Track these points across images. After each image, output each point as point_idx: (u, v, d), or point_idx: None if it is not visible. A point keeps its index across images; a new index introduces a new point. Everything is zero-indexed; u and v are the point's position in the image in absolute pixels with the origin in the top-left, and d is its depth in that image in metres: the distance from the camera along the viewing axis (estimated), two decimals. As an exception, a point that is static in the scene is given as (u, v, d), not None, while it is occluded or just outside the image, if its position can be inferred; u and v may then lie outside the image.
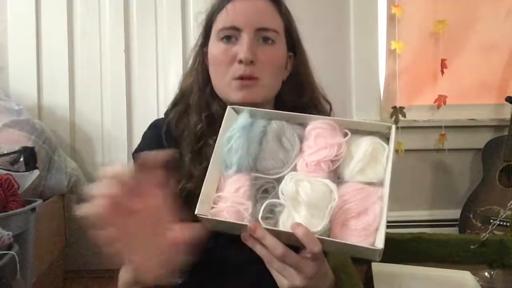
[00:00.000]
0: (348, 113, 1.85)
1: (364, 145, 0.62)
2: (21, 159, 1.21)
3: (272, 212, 0.60)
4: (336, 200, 0.58)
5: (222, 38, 0.80)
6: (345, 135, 0.64)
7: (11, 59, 1.70)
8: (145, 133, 0.92)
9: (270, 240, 0.57)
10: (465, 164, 1.92)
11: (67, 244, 1.63)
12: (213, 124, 0.82)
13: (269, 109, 0.85)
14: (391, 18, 1.86)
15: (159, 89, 1.77)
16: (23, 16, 1.70)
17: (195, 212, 0.60)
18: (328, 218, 0.58)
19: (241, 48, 0.78)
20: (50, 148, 1.45)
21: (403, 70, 1.90)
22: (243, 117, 0.67)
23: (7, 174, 1.06)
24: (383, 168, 0.62)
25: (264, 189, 0.62)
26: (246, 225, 0.58)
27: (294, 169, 0.63)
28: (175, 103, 0.91)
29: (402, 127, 1.85)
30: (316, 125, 0.65)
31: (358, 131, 0.65)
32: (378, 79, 1.87)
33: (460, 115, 1.90)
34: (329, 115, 0.90)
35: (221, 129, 0.67)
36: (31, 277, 1.04)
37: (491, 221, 1.62)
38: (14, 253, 0.78)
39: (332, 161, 0.62)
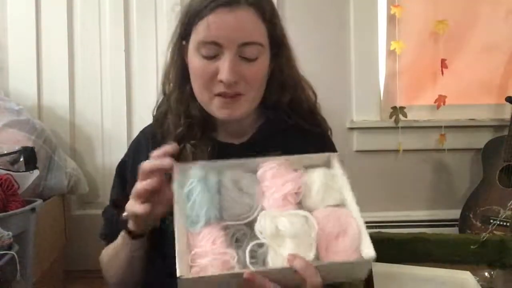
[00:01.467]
0: (348, 113, 1.85)
1: (317, 176, 0.66)
2: (21, 159, 1.21)
3: (254, 257, 0.58)
4: (316, 226, 0.59)
5: (202, 55, 0.75)
6: (295, 170, 0.67)
7: (11, 59, 1.70)
8: (131, 142, 0.94)
9: (270, 287, 0.55)
10: (465, 164, 1.92)
11: (67, 244, 1.63)
12: (192, 127, 0.82)
13: (255, 114, 0.86)
14: (391, 18, 1.86)
15: (159, 89, 1.76)
16: (23, 16, 1.70)
17: (178, 275, 0.55)
18: (315, 244, 0.58)
19: (223, 68, 0.73)
20: (50, 148, 1.45)
21: (403, 70, 1.90)
22: (196, 170, 0.66)
23: (7, 174, 1.06)
24: (340, 192, 0.66)
25: (236, 239, 0.60)
26: (240, 273, 0.55)
27: (262, 209, 0.63)
28: (159, 105, 0.90)
29: (402, 127, 1.85)
30: (268, 167, 0.66)
31: (305, 166, 0.69)
32: (378, 79, 1.87)
33: (460, 115, 1.90)
34: (315, 106, 0.90)
35: (174, 184, 0.64)
36: (31, 277, 1.04)
37: (491, 221, 1.62)
38: (14, 253, 0.78)
39: (296, 193, 0.64)
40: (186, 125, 0.82)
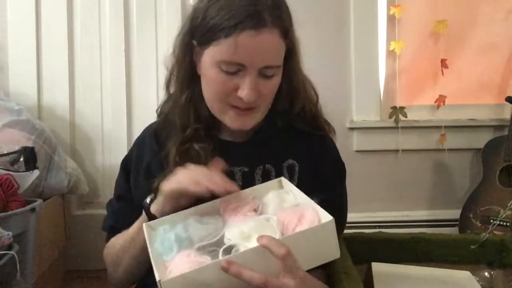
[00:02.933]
0: (348, 113, 1.86)
1: (270, 195, 0.74)
2: (21, 159, 1.21)
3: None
4: (275, 220, 0.65)
5: (223, 70, 0.75)
6: (252, 198, 0.74)
7: (11, 59, 1.70)
8: (136, 139, 0.96)
9: (246, 274, 0.57)
10: (465, 164, 1.92)
11: (67, 244, 1.63)
12: (199, 128, 0.84)
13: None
14: (390, 18, 1.86)
15: (159, 89, 1.77)
16: (23, 16, 1.70)
17: (157, 279, 0.56)
18: (279, 232, 0.63)
19: (245, 87, 0.75)
20: (50, 148, 1.45)
21: (403, 70, 1.90)
22: (163, 223, 0.71)
23: (7, 174, 1.06)
24: (294, 200, 0.73)
25: (211, 257, 0.63)
26: (216, 262, 0.58)
27: (228, 227, 0.68)
28: (164, 102, 0.91)
29: (402, 127, 1.85)
30: (225, 202, 0.73)
31: (260, 195, 0.76)
32: (378, 79, 1.87)
33: (460, 115, 1.90)
34: (316, 108, 0.91)
35: (148, 244, 0.67)
36: (31, 277, 1.04)
37: (491, 221, 1.62)
38: (14, 253, 0.78)
39: (255, 210, 0.71)
40: (194, 127, 0.83)
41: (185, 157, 0.81)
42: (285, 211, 0.68)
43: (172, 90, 0.88)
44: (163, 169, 0.82)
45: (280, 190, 0.75)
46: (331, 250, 0.65)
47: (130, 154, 0.92)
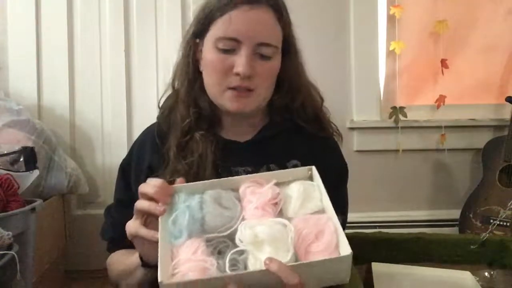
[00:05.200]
0: (348, 113, 1.86)
1: (295, 186, 0.69)
2: (21, 159, 1.21)
3: (235, 265, 0.59)
4: (293, 230, 0.61)
5: (220, 48, 0.78)
6: (276, 185, 0.69)
7: (11, 59, 1.70)
8: (134, 142, 0.94)
9: None
10: (465, 164, 1.92)
11: (67, 244, 1.63)
12: (200, 119, 0.84)
13: (262, 114, 0.89)
14: (390, 18, 1.86)
15: (159, 89, 1.77)
16: (23, 16, 1.70)
17: (159, 281, 0.56)
18: (292, 247, 0.60)
19: (240, 62, 0.77)
20: (50, 148, 1.45)
21: (403, 70, 1.90)
22: (179, 193, 0.68)
23: (7, 174, 1.06)
24: (320, 200, 0.68)
25: (218, 251, 0.62)
26: (217, 277, 0.56)
27: (243, 220, 0.64)
28: (167, 97, 0.91)
29: (402, 127, 1.85)
30: (247, 183, 0.69)
31: (286, 181, 0.71)
32: (378, 79, 1.87)
33: (460, 115, 1.90)
34: (321, 110, 0.91)
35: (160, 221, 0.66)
36: (31, 277, 1.04)
37: (491, 221, 1.62)
38: (14, 253, 0.78)
39: (274, 204, 0.66)
40: (195, 117, 0.84)
41: (185, 150, 0.82)
42: (305, 219, 0.64)
43: (176, 86, 0.89)
44: (166, 165, 0.82)
45: (307, 181, 0.71)
46: (342, 278, 0.62)
47: (129, 159, 0.91)
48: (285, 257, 0.58)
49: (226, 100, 0.81)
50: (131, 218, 0.84)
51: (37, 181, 1.31)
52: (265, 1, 0.78)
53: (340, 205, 0.91)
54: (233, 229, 0.63)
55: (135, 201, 0.87)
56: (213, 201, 0.66)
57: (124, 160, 0.93)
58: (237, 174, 0.83)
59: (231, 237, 0.62)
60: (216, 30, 0.78)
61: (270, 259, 0.56)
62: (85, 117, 1.76)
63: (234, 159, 0.83)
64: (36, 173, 1.23)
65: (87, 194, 1.67)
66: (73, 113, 1.75)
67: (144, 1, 1.76)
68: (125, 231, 0.82)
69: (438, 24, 1.85)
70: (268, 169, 0.84)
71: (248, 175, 0.71)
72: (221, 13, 0.77)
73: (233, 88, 0.79)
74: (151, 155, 0.87)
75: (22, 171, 1.20)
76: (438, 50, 1.89)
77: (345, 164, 0.94)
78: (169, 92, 0.91)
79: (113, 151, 1.76)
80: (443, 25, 1.85)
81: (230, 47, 0.77)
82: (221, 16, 0.77)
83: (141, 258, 0.73)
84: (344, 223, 0.93)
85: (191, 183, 0.70)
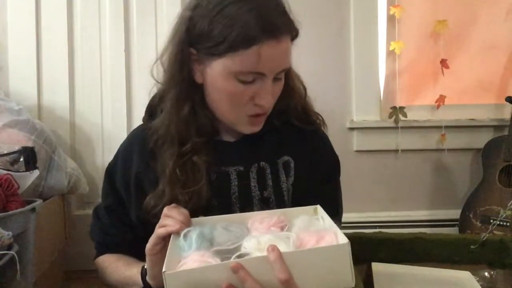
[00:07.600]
0: (348, 113, 1.86)
1: (301, 217, 0.72)
2: (21, 159, 1.21)
3: None
4: (295, 236, 0.64)
5: (241, 80, 0.75)
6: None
7: (11, 59, 1.70)
8: (120, 146, 0.94)
9: (249, 283, 0.56)
10: (465, 164, 1.92)
11: (67, 244, 1.63)
12: (198, 141, 0.82)
13: None
14: (390, 18, 1.86)
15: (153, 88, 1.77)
16: (23, 16, 1.70)
17: (163, 270, 0.57)
18: (294, 247, 0.61)
19: (264, 96, 0.76)
20: (50, 148, 1.45)
21: (403, 70, 1.90)
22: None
23: (7, 174, 1.05)
24: (323, 227, 0.70)
25: (224, 259, 0.63)
26: (221, 264, 0.57)
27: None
28: (152, 107, 0.91)
29: (402, 127, 1.85)
30: (255, 218, 0.73)
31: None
32: (378, 79, 1.87)
33: (460, 115, 1.90)
34: (306, 101, 0.91)
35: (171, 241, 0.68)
36: (31, 277, 1.04)
37: (491, 221, 1.62)
38: (14, 253, 0.78)
39: (280, 227, 0.70)
40: (194, 142, 0.82)
41: (182, 170, 0.80)
42: (307, 232, 0.67)
43: (167, 101, 0.83)
44: (156, 183, 0.81)
45: (312, 216, 0.74)
46: (345, 277, 0.60)
47: (114, 165, 0.91)
48: (286, 249, 0.60)
49: (242, 125, 0.81)
50: (119, 223, 0.86)
51: (37, 181, 1.31)
52: (286, 29, 0.75)
53: (335, 196, 0.91)
54: (239, 243, 0.65)
55: (124, 206, 0.87)
56: (223, 228, 0.70)
57: (110, 165, 0.93)
58: (229, 174, 0.83)
59: (238, 249, 0.64)
60: (240, 62, 0.73)
61: (273, 247, 0.57)
62: (85, 117, 1.76)
63: (225, 159, 0.83)
64: (36, 173, 1.23)
65: (87, 194, 1.67)
66: (73, 113, 1.75)
67: (144, 1, 1.76)
68: (113, 236, 0.83)
69: (438, 24, 1.85)
70: (259, 167, 0.84)
71: (258, 211, 0.75)
72: (246, 46, 0.71)
73: (253, 116, 0.79)
74: (138, 161, 0.87)
75: (22, 171, 1.20)
76: (438, 50, 1.89)
77: (337, 157, 0.94)
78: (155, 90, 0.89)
79: (113, 151, 1.72)
80: (443, 25, 1.85)
81: (251, 79, 0.75)
82: (246, 49, 0.71)
83: (143, 280, 0.74)
84: (339, 215, 0.93)
85: (207, 217, 0.73)
